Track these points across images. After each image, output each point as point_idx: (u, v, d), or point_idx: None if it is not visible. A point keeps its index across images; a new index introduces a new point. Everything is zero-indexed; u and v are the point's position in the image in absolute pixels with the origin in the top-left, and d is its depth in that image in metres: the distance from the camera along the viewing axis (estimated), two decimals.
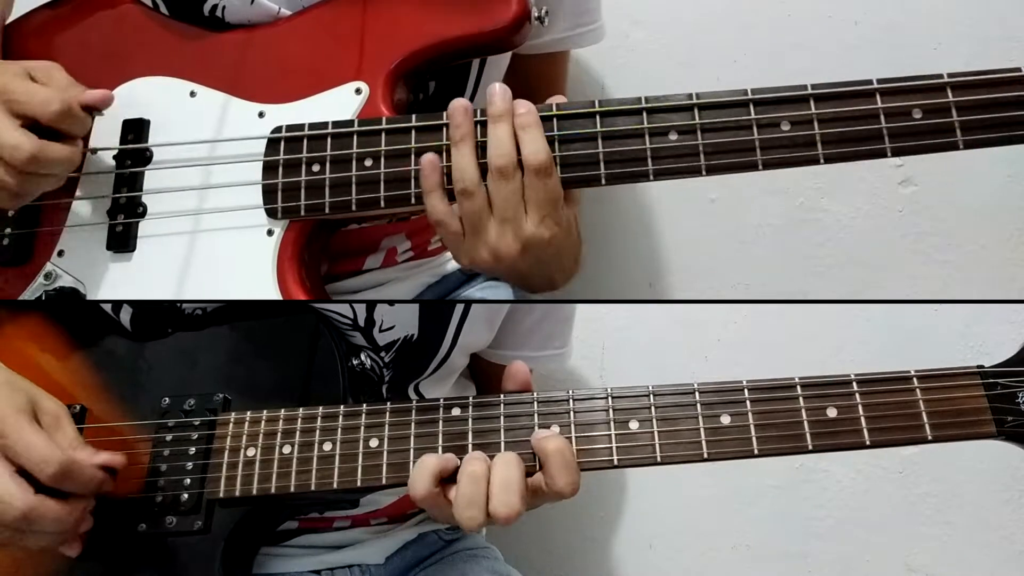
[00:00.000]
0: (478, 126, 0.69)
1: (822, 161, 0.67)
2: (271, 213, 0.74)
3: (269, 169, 0.74)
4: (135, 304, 0.78)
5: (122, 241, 0.76)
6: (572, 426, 0.67)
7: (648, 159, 0.68)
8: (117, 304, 0.78)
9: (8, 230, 0.79)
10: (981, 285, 1.15)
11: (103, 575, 0.72)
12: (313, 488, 0.69)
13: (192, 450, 0.72)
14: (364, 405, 0.71)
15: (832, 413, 0.65)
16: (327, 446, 0.70)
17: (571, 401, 0.68)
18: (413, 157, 0.71)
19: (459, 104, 0.69)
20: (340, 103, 0.75)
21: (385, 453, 0.69)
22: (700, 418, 0.66)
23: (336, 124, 0.73)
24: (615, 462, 0.66)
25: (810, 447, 0.65)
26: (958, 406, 0.65)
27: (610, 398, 0.68)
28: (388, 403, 0.71)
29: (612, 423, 0.67)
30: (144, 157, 0.77)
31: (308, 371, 0.75)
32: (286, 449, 0.71)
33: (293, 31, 0.78)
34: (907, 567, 1.16)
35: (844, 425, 0.65)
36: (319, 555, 0.86)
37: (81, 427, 0.72)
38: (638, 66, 1.17)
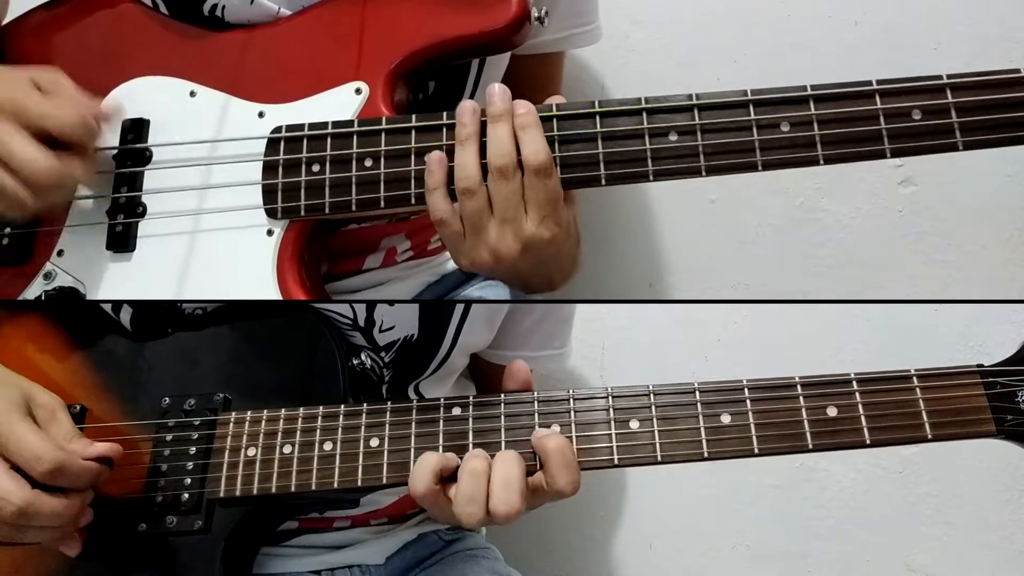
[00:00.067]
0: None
1: (822, 162, 0.67)
2: (271, 213, 0.74)
3: (269, 169, 0.74)
4: (135, 304, 0.78)
5: (122, 241, 0.76)
6: (572, 425, 0.67)
7: (648, 160, 0.68)
8: (117, 304, 0.78)
9: (7, 229, 0.79)
10: (981, 285, 1.15)
11: (103, 575, 0.72)
12: (314, 488, 0.69)
13: (192, 450, 0.72)
14: (364, 405, 0.71)
15: (832, 412, 0.65)
16: (328, 446, 0.70)
17: (571, 400, 0.68)
18: (413, 157, 0.71)
19: (468, 105, 0.69)
20: (340, 103, 0.75)
21: (386, 453, 0.69)
22: (700, 417, 0.66)
23: (336, 124, 0.73)
24: (615, 461, 0.66)
25: (810, 446, 0.65)
26: (958, 405, 0.65)
27: (610, 397, 0.68)
28: (388, 403, 0.71)
29: (612, 422, 0.67)
30: (144, 157, 0.77)
31: (308, 371, 0.75)
32: (287, 449, 0.71)
33: (293, 31, 0.78)
34: (907, 567, 1.16)
35: (844, 424, 0.65)
36: (319, 555, 0.86)
37: (81, 427, 0.72)
38: (638, 66, 1.17)
